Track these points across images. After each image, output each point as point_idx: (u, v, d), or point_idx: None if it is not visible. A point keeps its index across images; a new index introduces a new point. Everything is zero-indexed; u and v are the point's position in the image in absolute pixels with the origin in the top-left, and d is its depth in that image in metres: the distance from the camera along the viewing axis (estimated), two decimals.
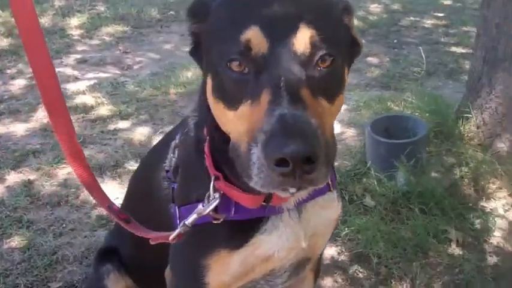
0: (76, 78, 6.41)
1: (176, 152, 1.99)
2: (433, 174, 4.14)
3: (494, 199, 3.99)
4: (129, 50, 7.50)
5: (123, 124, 5.24)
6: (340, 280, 3.28)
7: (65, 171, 4.38)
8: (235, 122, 1.42)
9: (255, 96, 1.36)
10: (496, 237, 3.65)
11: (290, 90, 1.32)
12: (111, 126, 5.18)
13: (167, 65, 6.93)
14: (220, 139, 1.63)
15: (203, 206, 1.72)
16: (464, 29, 8.95)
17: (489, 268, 3.36)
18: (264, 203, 1.73)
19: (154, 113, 5.49)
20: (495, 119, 4.40)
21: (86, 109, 5.47)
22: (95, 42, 7.79)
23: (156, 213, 2.11)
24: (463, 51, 7.75)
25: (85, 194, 4.04)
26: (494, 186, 4.06)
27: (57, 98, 1.77)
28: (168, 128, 5.05)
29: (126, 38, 8.03)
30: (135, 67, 6.95)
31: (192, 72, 6.53)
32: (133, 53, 7.42)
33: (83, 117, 5.32)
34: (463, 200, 3.92)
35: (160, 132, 5.01)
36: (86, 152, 4.42)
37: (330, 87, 1.47)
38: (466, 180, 4.06)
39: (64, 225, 3.78)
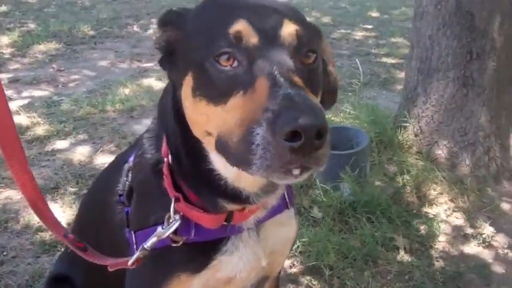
0: (9, 98, 6.15)
1: (130, 175, 1.93)
2: (377, 183, 4.23)
3: (436, 205, 4.11)
4: (63, 67, 7.32)
5: (61, 144, 5.08)
6: None
7: (2, 196, 4.21)
8: (224, 115, 1.36)
9: (248, 86, 1.33)
10: (442, 242, 3.75)
11: (285, 76, 1.31)
12: (49, 147, 5.01)
13: (103, 82, 6.80)
14: (189, 152, 1.60)
15: (163, 229, 1.67)
16: (393, 40, 9.25)
17: (438, 273, 3.44)
18: (225, 223, 1.71)
19: (93, 131, 5.35)
20: (432, 127, 4.54)
21: (22, 130, 5.25)
22: (27, 60, 7.56)
23: (110, 239, 2.04)
24: (394, 61, 8.00)
25: (25, 219, 3.89)
26: (435, 192, 4.19)
27: (9, 128, 1.71)
28: (108, 147, 4.98)
29: (59, 55, 7.84)
30: (71, 85, 6.78)
31: (129, 89, 6.45)
32: (68, 71, 7.24)
33: None
34: (407, 207, 4.02)
35: (100, 152, 4.91)
36: None
37: (314, 83, 1.48)
38: (408, 187, 4.17)
39: (5, 253, 3.60)
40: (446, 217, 4.01)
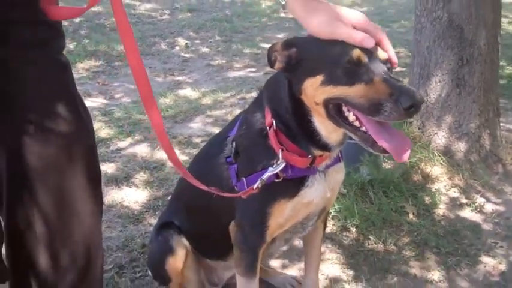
0: None
1: (234, 144, 2.53)
2: (390, 165, 5.19)
3: (437, 182, 5.02)
4: (106, 82, 8.23)
5: (123, 144, 5.93)
6: (330, 246, 4.18)
7: None
8: (348, 92, 1.99)
9: (367, 80, 1.98)
10: (442, 209, 4.67)
11: (390, 76, 1.98)
12: (113, 147, 5.86)
13: None
14: (297, 119, 2.27)
15: (273, 168, 2.32)
16: (395, 50, 10.06)
17: (439, 230, 4.34)
18: (308, 165, 2.40)
19: (148, 134, 6.19)
20: (432, 122, 5.47)
21: None
22: (74, 76, 8.38)
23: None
24: (397, 70, 8.82)
25: (109, 200, 4.73)
26: (436, 173, 5.10)
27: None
28: None
29: (100, 72, 8.71)
30: (117, 96, 7.68)
31: (169, 99, 7.38)
32: (112, 85, 8.12)
33: None
34: (414, 183, 4.93)
35: (157, 149, 5.79)
36: (102, 167, 5.15)
37: None
38: (415, 168, 5.10)
39: None
40: (446, 191, 4.92)
